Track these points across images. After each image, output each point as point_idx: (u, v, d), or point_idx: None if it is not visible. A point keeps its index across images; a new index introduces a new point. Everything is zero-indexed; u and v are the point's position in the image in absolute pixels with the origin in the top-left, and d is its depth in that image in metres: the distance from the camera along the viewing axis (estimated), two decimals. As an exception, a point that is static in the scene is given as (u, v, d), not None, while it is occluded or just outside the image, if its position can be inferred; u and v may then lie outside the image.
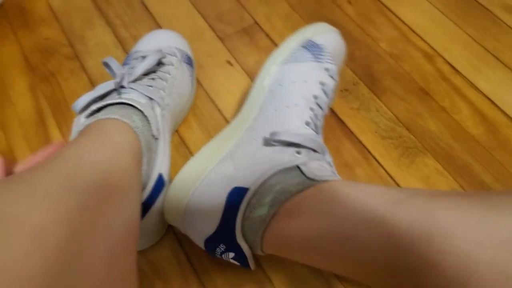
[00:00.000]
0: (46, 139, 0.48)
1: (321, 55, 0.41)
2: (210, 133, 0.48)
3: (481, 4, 0.56)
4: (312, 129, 0.37)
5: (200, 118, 0.49)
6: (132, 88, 0.38)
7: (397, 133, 0.47)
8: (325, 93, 0.40)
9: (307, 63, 0.40)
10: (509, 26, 0.54)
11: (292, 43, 0.42)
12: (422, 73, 0.51)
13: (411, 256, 0.24)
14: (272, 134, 0.35)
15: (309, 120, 0.37)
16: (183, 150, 0.47)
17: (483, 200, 0.24)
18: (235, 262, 0.34)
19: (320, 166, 0.34)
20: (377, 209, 0.26)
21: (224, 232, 0.33)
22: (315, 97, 0.39)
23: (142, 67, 0.40)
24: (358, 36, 0.54)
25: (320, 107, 0.39)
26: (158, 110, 0.39)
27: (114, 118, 0.35)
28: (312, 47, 0.41)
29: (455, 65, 0.51)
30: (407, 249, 0.24)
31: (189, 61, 0.48)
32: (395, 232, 0.25)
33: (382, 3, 0.57)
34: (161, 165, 0.38)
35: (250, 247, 0.33)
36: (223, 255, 0.34)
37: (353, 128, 0.47)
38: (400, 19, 0.56)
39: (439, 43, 0.53)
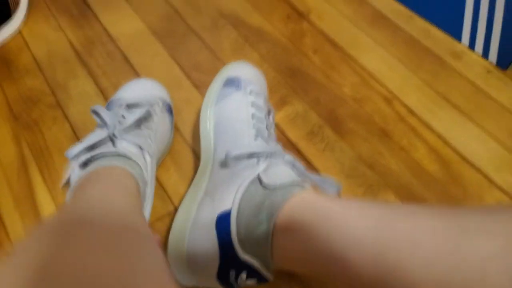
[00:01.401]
0: (28, 184, 0.50)
1: (239, 83, 0.48)
2: (187, 175, 0.51)
3: (432, 52, 0.62)
4: (261, 140, 0.42)
5: (177, 162, 0.52)
6: (123, 138, 0.41)
7: (360, 171, 0.51)
8: (258, 109, 0.46)
9: (233, 94, 0.47)
10: (457, 71, 0.60)
11: (215, 86, 0.49)
12: (382, 115, 0.56)
13: (396, 275, 0.27)
14: (226, 155, 0.41)
15: (257, 135, 0.43)
16: (161, 193, 0.49)
17: (457, 223, 0.27)
18: (253, 282, 0.37)
19: (281, 171, 0.39)
20: (362, 229, 0.30)
21: (228, 257, 0.36)
22: (253, 115, 0.45)
23: (133, 117, 0.43)
24: (324, 82, 0.59)
25: (261, 122, 0.45)
26: (148, 158, 0.42)
27: (118, 166, 0.38)
28: (231, 82, 0.48)
29: (411, 107, 0.56)
30: (391, 270, 0.27)
31: (170, 109, 0.51)
32: (380, 252, 0.28)
33: (344, 53, 0.63)
34: (146, 209, 0.41)
35: (265, 266, 0.36)
36: (238, 281, 0.36)
37: (320, 168, 0.51)
38: (361, 66, 0.61)
39: (396, 88, 0.59)
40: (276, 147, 0.42)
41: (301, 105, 0.57)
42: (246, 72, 0.50)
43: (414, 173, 0.51)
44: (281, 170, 0.39)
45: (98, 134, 0.41)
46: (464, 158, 0.52)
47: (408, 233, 0.28)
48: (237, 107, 0.46)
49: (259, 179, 0.38)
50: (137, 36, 0.64)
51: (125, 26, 0.65)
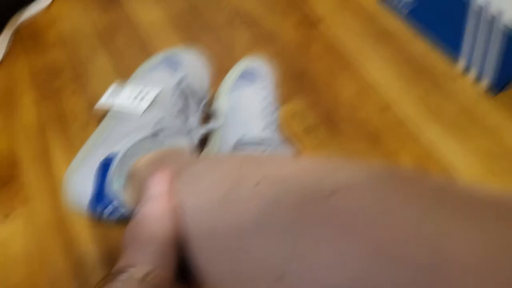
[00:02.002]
0: (45, 146, 0.55)
1: (255, 78, 0.54)
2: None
3: (430, 71, 0.67)
4: (269, 132, 0.48)
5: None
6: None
7: (348, 169, 0.55)
8: (268, 104, 0.51)
9: (248, 87, 0.52)
10: (450, 91, 0.64)
11: (232, 76, 0.54)
12: (375, 122, 0.60)
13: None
14: (239, 140, 0.47)
15: (266, 126, 0.48)
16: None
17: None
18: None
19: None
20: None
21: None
22: (263, 110, 0.50)
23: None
24: (325, 86, 0.64)
25: (270, 116, 0.50)
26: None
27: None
28: (247, 75, 0.54)
29: (402, 119, 0.61)
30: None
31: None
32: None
33: (348, 62, 0.67)
34: None
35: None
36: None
37: (311, 162, 0.55)
38: (361, 76, 0.66)
39: (392, 99, 0.63)
40: (281, 139, 0.47)
41: (301, 104, 0.61)
42: (262, 68, 0.56)
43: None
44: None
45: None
46: (445, 170, 0.56)
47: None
48: (250, 99, 0.51)
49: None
50: (157, 25, 0.69)
51: (146, 14, 0.70)
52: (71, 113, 0.58)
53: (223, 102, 0.52)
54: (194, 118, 0.51)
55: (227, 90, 0.53)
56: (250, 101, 0.51)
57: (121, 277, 0.26)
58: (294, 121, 0.59)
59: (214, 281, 0.26)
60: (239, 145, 0.46)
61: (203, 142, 0.57)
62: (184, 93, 0.51)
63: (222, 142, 0.48)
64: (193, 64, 0.55)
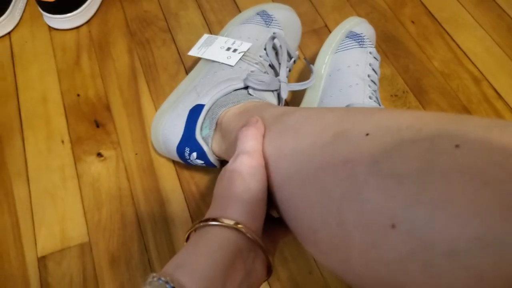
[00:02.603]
0: (136, 92, 0.58)
1: (363, 41, 0.51)
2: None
3: (534, 42, 0.61)
4: (374, 101, 0.44)
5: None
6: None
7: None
8: (374, 71, 0.49)
9: (355, 49, 0.50)
10: (557, 65, 0.59)
11: (338, 35, 0.51)
12: (467, 93, 0.57)
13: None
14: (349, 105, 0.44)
15: (371, 95, 0.45)
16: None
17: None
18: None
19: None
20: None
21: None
22: (369, 75, 0.48)
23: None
24: (415, 52, 0.61)
25: (375, 83, 0.47)
26: None
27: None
28: (354, 36, 0.51)
29: (499, 91, 0.57)
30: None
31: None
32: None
33: (442, 27, 0.63)
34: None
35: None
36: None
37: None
38: (456, 43, 0.62)
39: (488, 70, 0.59)
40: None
41: (390, 69, 0.59)
42: (369, 32, 0.53)
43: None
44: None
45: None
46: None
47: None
48: (357, 62, 0.49)
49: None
50: (247, -20, 0.69)
51: (237, -32, 0.70)
52: (161, 62, 0.61)
53: (325, 61, 0.51)
54: (284, 74, 0.51)
55: (332, 49, 0.51)
56: (356, 65, 0.49)
57: (212, 223, 0.27)
58: (382, 86, 0.57)
59: (313, 227, 0.26)
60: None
61: (297, 97, 0.57)
62: (276, 49, 0.51)
63: (321, 103, 0.48)
64: (285, 21, 0.55)
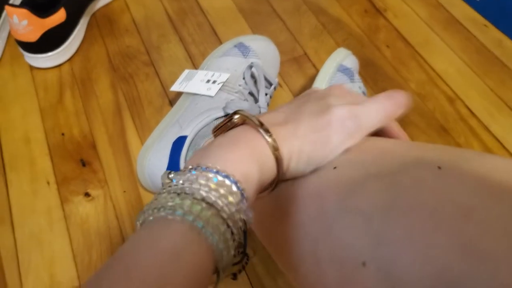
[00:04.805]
0: (121, 128, 0.58)
1: (353, 76, 0.53)
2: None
3: (501, 62, 0.65)
4: None
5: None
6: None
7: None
8: None
9: (346, 84, 0.52)
10: (524, 82, 0.62)
11: (331, 69, 0.53)
12: (443, 113, 0.59)
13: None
14: None
15: None
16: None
17: None
18: None
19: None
20: None
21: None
22: None
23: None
24: (392, 75, 0.63)
25: None
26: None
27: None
28: (345, 71, 0.54)
29: (472, 110, 0.60)
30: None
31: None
32: None
33: (416, 50, 0.66)
34: None
35: None
36: None
37: (379, 151, 0.55)
38: (429, 65, 0.64)
39: (461, 90, 0.62)
40: None
41: (369, 93, 0.61)
42: (356, 65, 0.56)
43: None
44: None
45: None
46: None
47: None
48: None
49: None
50: (225, 11, 0.70)
51: (215, 1, 0.72)
52: (146, 96, 0.61)
53: None
54: (263, 102, 0.53)
55: (325, 83, 0.53)
56: None
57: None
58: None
59: (293, 264, 0.26)
60: None
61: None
62: (254, 77, 0.53)
63: None
64: (262, 50, 0.56)
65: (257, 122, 0.25)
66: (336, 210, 0.24)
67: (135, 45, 0.67)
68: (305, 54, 0.66)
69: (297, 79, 0.63)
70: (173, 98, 0.61)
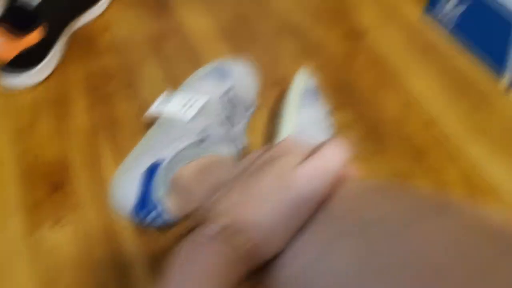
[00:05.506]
0: (96, 151, 0.57)
1: (317, 96, 0.57)
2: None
3: (476, 86, 0.66)
4: None
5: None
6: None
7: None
8: (329, 120, 0.54)
9: (313, 106, 0.55)
10: (497, 107, 0.63)
11: (296, 95, 0.55)
12: (421, 137, 0.60)
13: None
14: None
15: None
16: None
17: None
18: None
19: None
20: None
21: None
22: (327, 126, 0.53)
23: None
24: (370, 99, 0.64)
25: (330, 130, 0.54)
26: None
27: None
28: (309, 93, 0.56)
29: (448, 134, 0.60)
30: None
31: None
32: None
33: (393, 75, 0.67)
34: None
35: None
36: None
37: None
38: (406, 90, 0.65)
39: (437, 114, 0.62)
40: None
41: (345, 118, 0.61)
42: (315, 85, 0.58)
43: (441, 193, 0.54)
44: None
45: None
46: (492, 189, 0.55)
47: None
48: (318, 118, 0.54)
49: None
50: (206, 33, 0.71)
51: (196, 23, 0.72)
52: (122, 119, 0.60)
53: (290, 120, 0.53)
54: (240, 126, 0.53)
55: (295, 109, 0.53)
56: (318, 120, 0.53)
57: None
58: (339, 134, 0.60)
59: None
60: None
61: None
62: (231, 102, 0.53)
63: None
64: (241, 75, 0.57)
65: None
66: (313, 270, 0.24)
67: (114, 65, 0.66)
68: (286, 77, 0.66)
69: (277, 102, 0.63)
70: (151, 121, 0.60)
